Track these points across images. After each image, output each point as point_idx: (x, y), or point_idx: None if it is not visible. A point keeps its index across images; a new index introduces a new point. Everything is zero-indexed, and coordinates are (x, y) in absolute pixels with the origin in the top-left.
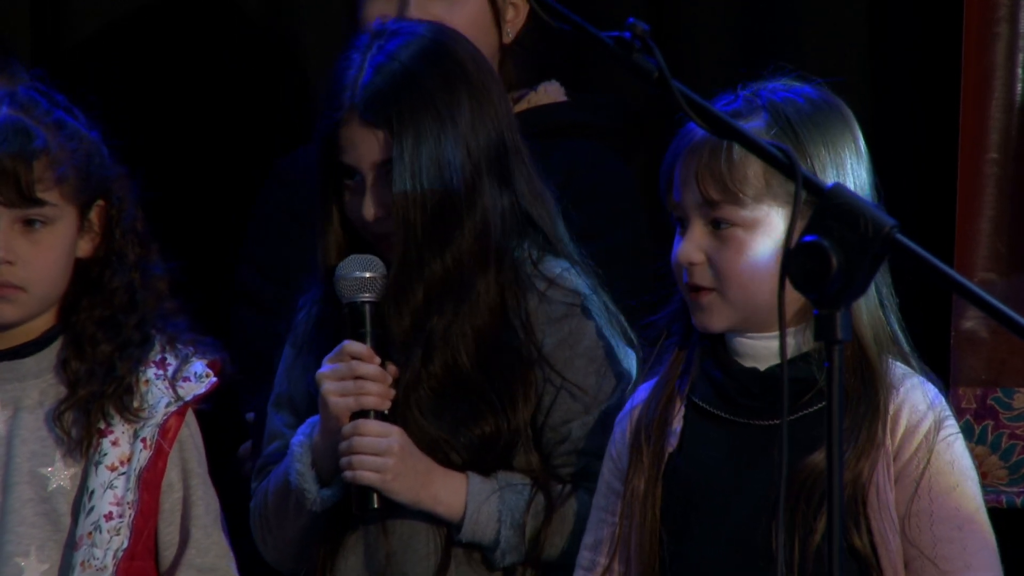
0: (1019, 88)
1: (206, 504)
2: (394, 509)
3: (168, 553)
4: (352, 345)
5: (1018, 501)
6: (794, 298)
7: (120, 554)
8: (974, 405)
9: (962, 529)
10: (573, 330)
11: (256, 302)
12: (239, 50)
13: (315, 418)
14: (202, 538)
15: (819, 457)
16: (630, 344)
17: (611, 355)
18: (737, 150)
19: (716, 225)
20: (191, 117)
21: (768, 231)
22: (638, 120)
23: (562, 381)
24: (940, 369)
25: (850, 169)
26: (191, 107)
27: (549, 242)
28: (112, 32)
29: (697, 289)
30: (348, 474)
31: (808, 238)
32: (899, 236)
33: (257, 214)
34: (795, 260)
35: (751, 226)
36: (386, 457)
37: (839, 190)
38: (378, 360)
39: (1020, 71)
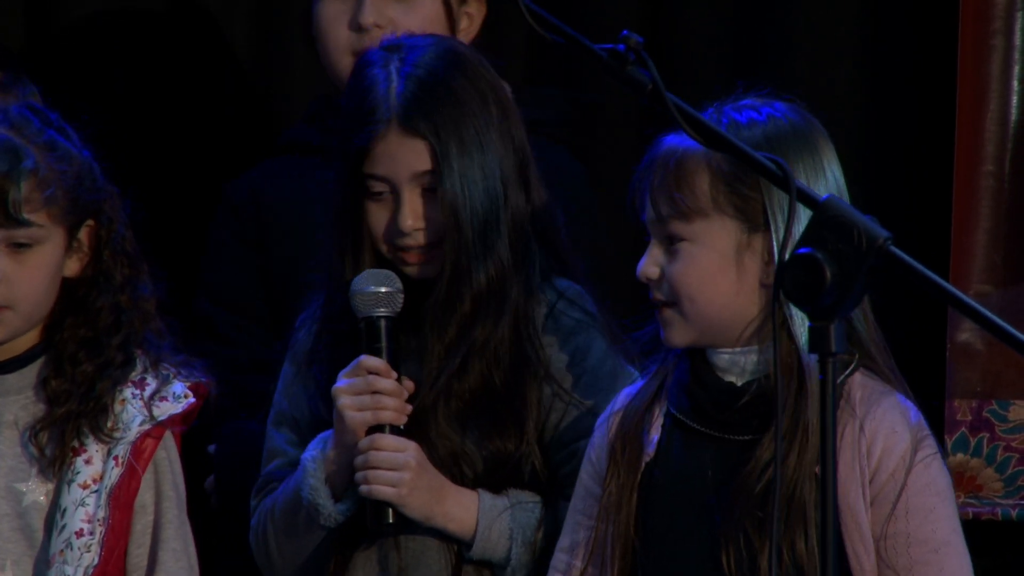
0: (1014, 100)
1: (176, 528)
2: (407, 524)
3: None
4: (369, 360)
5: (1013, 513)
6: (748, 314)
7: (91, 571)
8: (970, 417)
9: (938, 552)
10: (581, 346)
11: (214, 333)
12: (226, 65)
13: (326, 433)
14: (171, 562)
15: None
16: (632, 364)
17: (617, 373)
18: (685, 164)
19: (669, 240)
20: (182, 129)
21: (715, 245)
22: (593, 112)
23: (570, 398)
24: (936, 381)
25: (802, 183)
26: (182, 120)
27: (558, 255)
28: (103, 41)
29: (659, 305)
30: (364, 488)
31: (802, 250)
32: (893, 248)
33: (208, 241)
34: (789, 272)
35: (698, 240)
36: (402, 472)
37: (833, 202)
38: (395, 375)
39: (1015, 84)
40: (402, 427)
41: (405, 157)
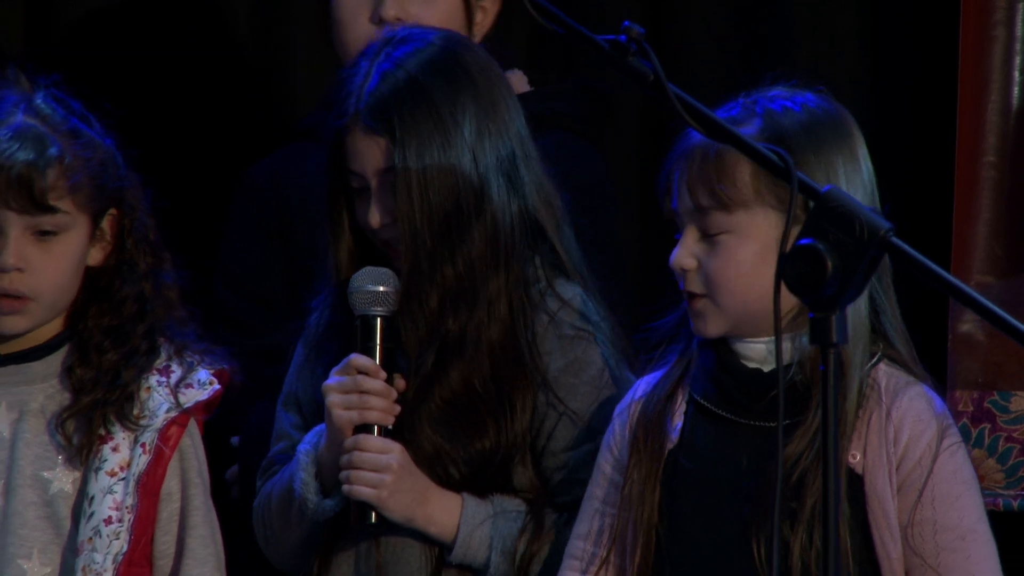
0: (1016, 91)
1: (203, 515)
2: (390, 525)
3: (163, 563)
4: (359, 359)
5: (1015, 504)
6: (788, 304)
7: (120, 558)
8: (971, 408)
9: (965, 539)
10: (580, 356)
11: (232, 322)
12: (230, 53)
13: (322, 426)
14: (199, 549)
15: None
16: (634, 369)
17: (615, 385)
18: (726, 156)
19: (707, 231)
20: (190, 120)
21: (757, 237)
22: (606, 102)
23: (564, 408)
24: (937, 372)
25: (842, 175)
26: (190, 110)
27: (558, 257)
28: (106, 35)
29: (691, 296)
30: (346, 488)
31: (803, 241)
32: (894, 239)
33: (227, 227)
34: (790, 263)
35: (739, 232)
36: (384, 473)
37: (834, 193)
38: (384, 375)
39: (1017, 74)
40: (390, 427)
41: (369, 153)
